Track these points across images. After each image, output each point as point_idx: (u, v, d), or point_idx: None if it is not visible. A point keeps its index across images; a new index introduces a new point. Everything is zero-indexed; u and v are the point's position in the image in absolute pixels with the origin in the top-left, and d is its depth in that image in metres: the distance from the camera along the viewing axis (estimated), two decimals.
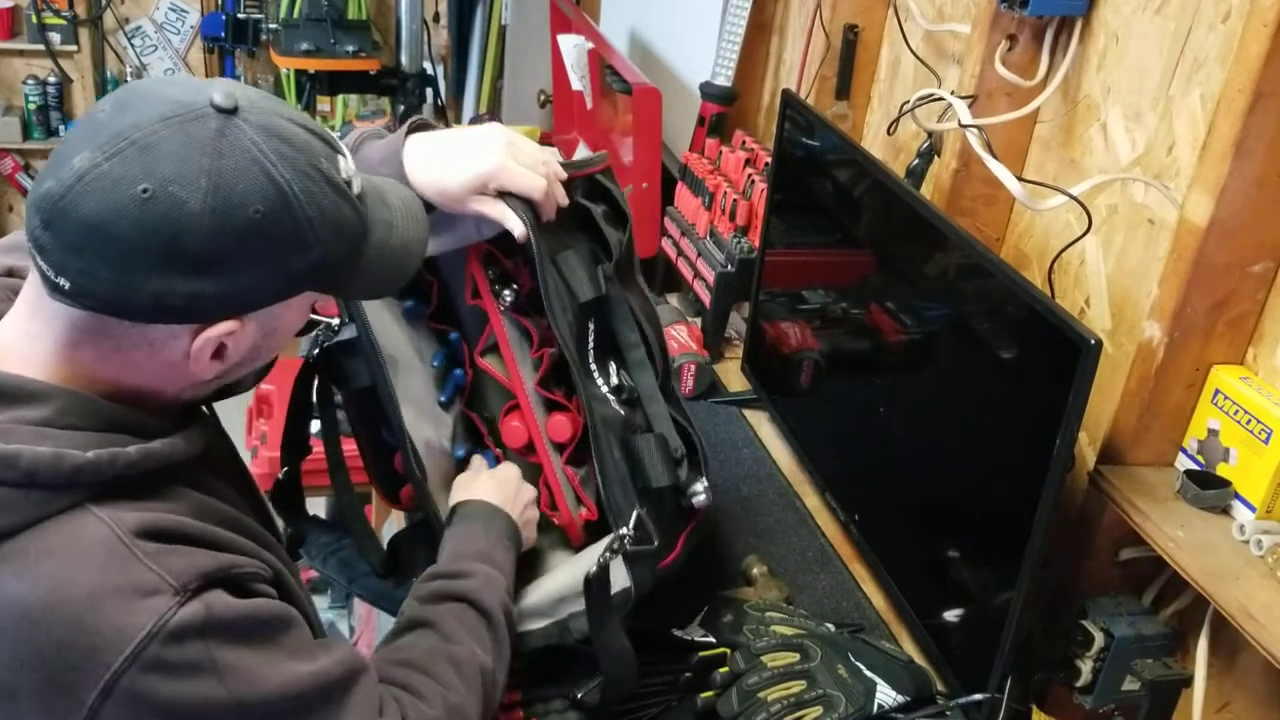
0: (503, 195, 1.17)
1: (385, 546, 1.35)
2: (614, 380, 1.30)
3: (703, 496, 1.29)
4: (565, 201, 1.24)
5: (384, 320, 1.28)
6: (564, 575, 1.24)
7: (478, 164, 1.15)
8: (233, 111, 0.81)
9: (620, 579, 1.20)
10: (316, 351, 1.26)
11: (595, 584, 1.16)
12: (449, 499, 1.25)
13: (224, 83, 0.83)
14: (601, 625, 1.18)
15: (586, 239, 1.29)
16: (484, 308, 1.30)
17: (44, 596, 0.78)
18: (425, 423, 1.27)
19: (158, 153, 0.78)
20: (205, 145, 0.79)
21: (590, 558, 1.21)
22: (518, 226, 1.17)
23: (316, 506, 3.29)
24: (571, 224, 1.28)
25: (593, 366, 1.28)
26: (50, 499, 0.81)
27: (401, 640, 1.07)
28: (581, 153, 2.73)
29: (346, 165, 0.89)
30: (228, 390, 1.01)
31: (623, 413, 1.28)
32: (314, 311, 1.00)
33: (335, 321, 1.24)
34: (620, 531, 1.17)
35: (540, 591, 1.24)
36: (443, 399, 1.33)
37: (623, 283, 1.31)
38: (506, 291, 1.28)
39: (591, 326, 1.28)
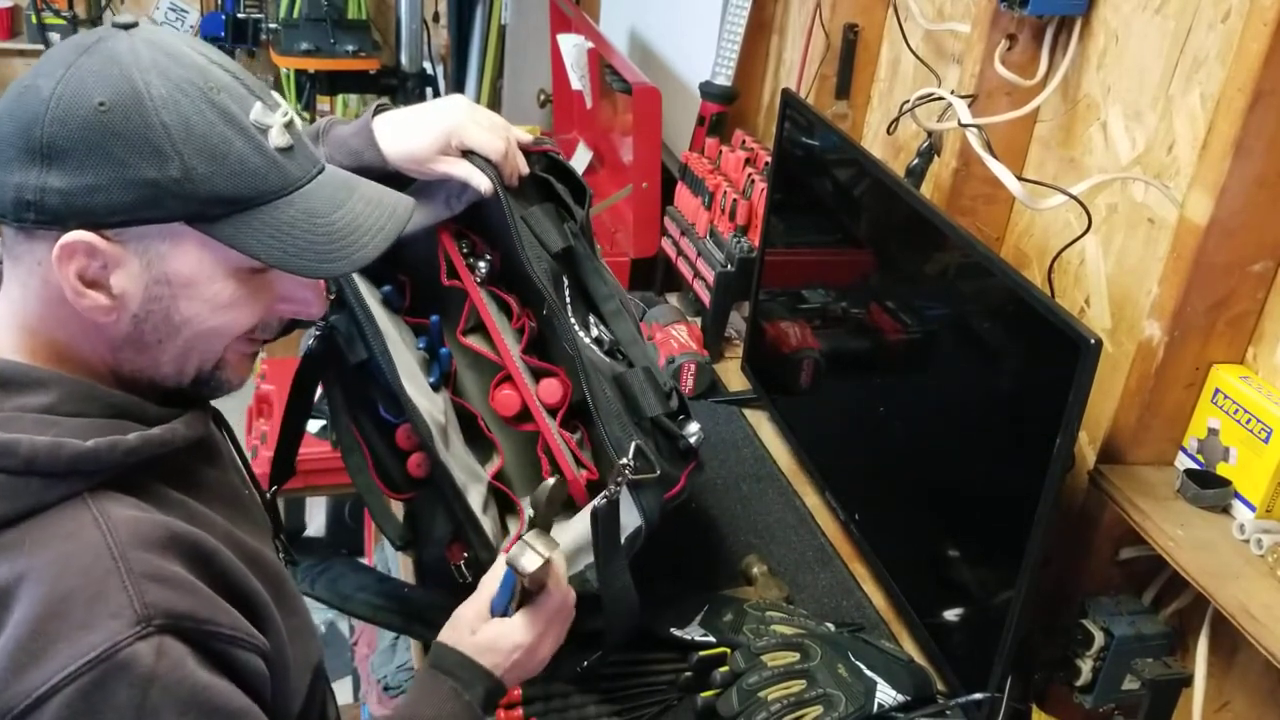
0: (467, 155, 1.24)
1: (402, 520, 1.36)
2: (594, 333, 1.33)
3: (698, 435, 1.34)
4: (525, 169, 1.30)
5: (372, 302, 1.28)
6: (578, 527, 1.24)
7: (442, 122, 1.23)
8: (129, 28, 0.83)
9: (631, 520, 1.22)
10: (314, 341, 1.27)
11: (602, 517, 1.16)
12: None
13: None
14: (608, 560, 1.18)
15: (551, 204, 1.35)
16: (462, 286, 1.33)
17: (22, 587, 0.77)
18: (422, 396, 1.28)
19: (47, 57, 0.83)
20: (81, 47, 0.82)
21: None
22: (484, 181, 1.24)
23: (317, 506, 3.28)
24: (533, 194, 1.33)
25: (572, 320, 1.30)
26: (48, 486, 0.80)
27: None
28: (581, 153, 2.73)
29: (266, 114, 0.85)
30: (181, 398, 0.92)
31: (608, 361, 1.31)
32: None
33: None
34: (621, 461, 1.17)
35: None
36: (432, 380, 1.34)
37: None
38: (481, 264, 1.33)
39: (565, 282, 1.32)
